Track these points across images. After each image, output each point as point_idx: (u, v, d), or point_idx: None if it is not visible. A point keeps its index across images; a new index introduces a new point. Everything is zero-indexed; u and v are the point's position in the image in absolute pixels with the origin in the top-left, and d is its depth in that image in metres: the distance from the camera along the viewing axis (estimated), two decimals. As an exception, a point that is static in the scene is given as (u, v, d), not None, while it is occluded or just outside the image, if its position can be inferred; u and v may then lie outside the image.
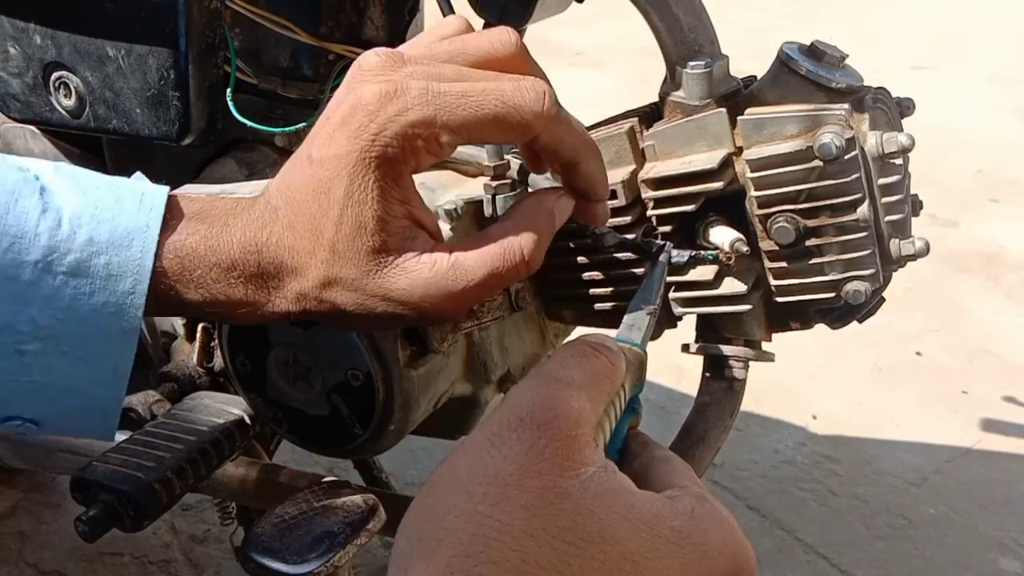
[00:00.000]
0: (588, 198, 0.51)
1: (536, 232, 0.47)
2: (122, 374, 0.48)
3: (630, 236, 0.64)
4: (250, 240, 0.46)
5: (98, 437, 0.52)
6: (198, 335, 0.78)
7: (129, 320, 0.46)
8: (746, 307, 0.64)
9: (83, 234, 0.45)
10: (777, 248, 0.61)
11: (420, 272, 0.45)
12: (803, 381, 1.75)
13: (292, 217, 0.46)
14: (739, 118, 0.60)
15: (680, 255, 0.61)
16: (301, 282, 0.46)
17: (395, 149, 0.43)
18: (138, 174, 0.52)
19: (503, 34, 0.48)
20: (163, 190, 0.48)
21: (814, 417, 1.69)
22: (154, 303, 0.46)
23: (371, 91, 0.44)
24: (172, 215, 0.47)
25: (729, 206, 0.62)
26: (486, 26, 0.76)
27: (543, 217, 0.48)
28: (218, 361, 0.77)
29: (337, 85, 0.78)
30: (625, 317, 0.49)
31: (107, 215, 0.46)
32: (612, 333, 0.47)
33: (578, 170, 0.49)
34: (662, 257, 0.57)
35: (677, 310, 0.67)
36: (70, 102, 0.73)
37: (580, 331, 0.64)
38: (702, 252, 0.61)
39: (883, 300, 0.67)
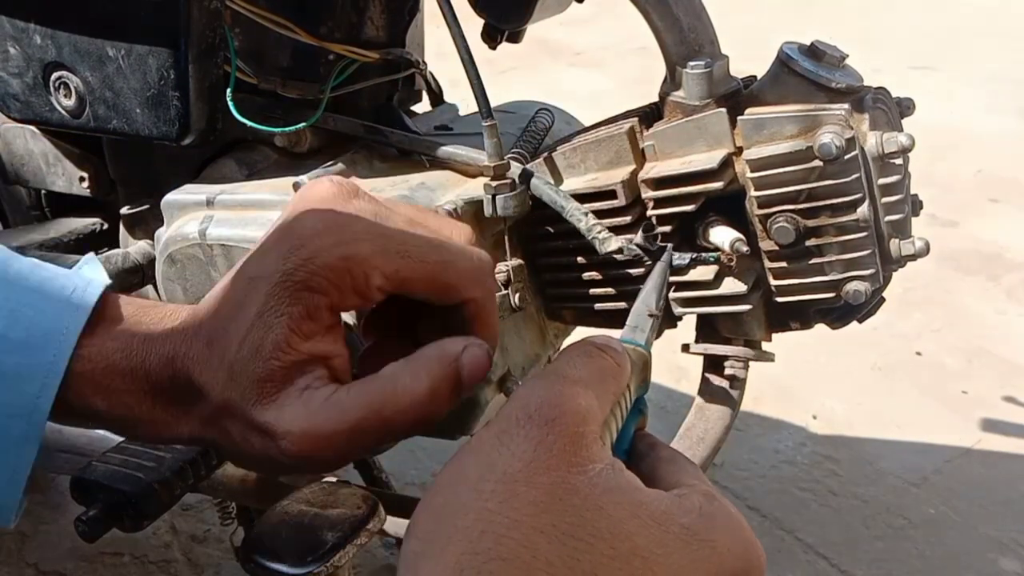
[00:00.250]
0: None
1: (433, 381, 0.42)
2: (19, 478, 0.45)
3: (630, 237, 0.64)
4: (169, 352, 0.43)
5: None
6: (198, 335, 0.77)
7: (32, 424, 0.43)
8: (746, 307, 0.64)
9: None
10: (777, 248, 0.61)
11: (292, 407, 0.41)
12: (803, 381, 1.75)
13: (212, 332, 0.43)
14: (739, 118, 0.60)
15: (681, 257, 0.61)
16: (205, 404, 0.43)
17: (320, 279, 0.41)
18: (89, 256, 0.50)
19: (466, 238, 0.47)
20: (96, 289, 0.45)
21: (814, 417, 1.69)
22: (63, 409, 0.43)
23: (313, 217, 0.42)
24: (99, 317, 0.44)
25: (729, 206, 0.62)
26: (486, 27, 0.76)
27: (441, 367, 0.42)
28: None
29: (337, 85, 0.79)
30: (628, 319, 0.49)
31: (28, 313, 0.43)
32: (613, 333, 0.48)
33: (479, 331, 0.46)
34: (663, 259, 0.57)
35: (677, 310, 0.67)
36: (70, 102, 0.73)
37: (580, 331, 0.64)
38: (703, 254, 0.61)
39: (883, 300, 0.67)
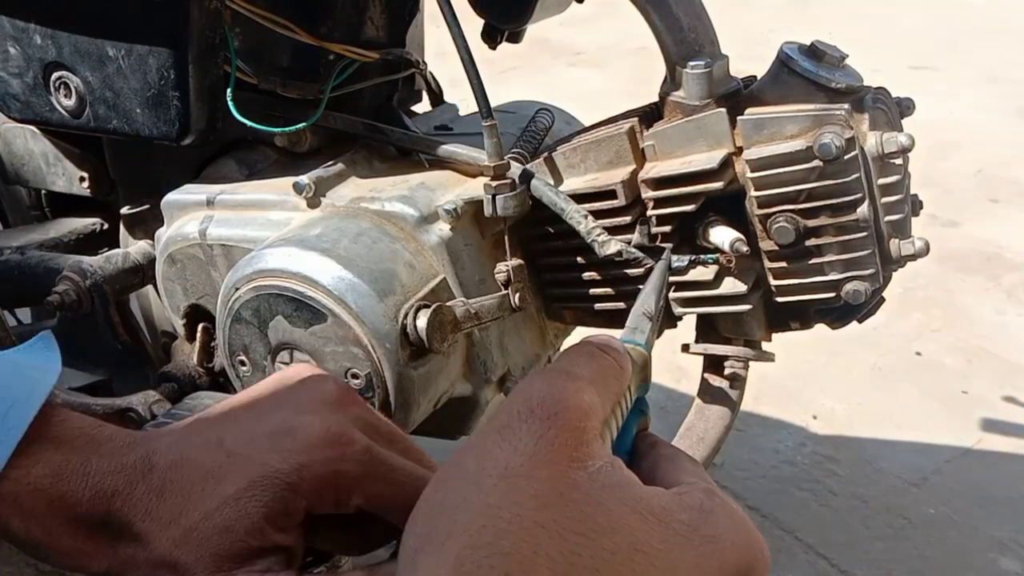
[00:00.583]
0: None
1: None
2: None
3: (629, 238, 0.64)
4: (107, 487, 0.43)
5: None
6: (198, 335, 0.78)
7: None
8: (746, 307, 0.64)
9: None
10: (777, 248, 0.61)
11: None
12: (803, 381, 1.75)
13: (167, 485, 0.43)
14: (739, 118, 0.60)
15: (680, 260, 0.61)
16: (138, 550, 0.43)
17: (308, 485, 0.43)
18: (45, 336, 0.49)
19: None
20: (36, 402, 0.44)
21: (814, 417, 1.69)
22: None
23: (319, 424, 0.44)
24: (34, 436, 0.43)
25: (729, 206, 0.62)
26: (486, 27, 0.76)
27: None
28: (218, 361, 0.77)
29: (337, 84, 0.78)
30: (628, 320, 0.49)
31: None
32: (613, 333, 0.48)
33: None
34: (662, 261, 0.57)
35: (677, 310, 0.67)
36: (70, 102, 0.73)
37: (580, 331, 0.64)
38: (702, 256, 0.61)
39: (883, 300, 0.67)
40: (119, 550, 0.43)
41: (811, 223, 0.59)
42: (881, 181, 0.58)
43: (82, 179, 0.89)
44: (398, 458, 0.46)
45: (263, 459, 0.43)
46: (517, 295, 0.68)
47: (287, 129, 0.75)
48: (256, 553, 0.43)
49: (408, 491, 0.45)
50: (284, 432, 0.44)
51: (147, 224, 0.85)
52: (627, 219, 0.65)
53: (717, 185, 0.60)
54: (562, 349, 0.72)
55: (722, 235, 0.61)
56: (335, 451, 0.43)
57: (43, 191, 0.96)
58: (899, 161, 0.58)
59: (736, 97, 0.63)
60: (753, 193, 0.60)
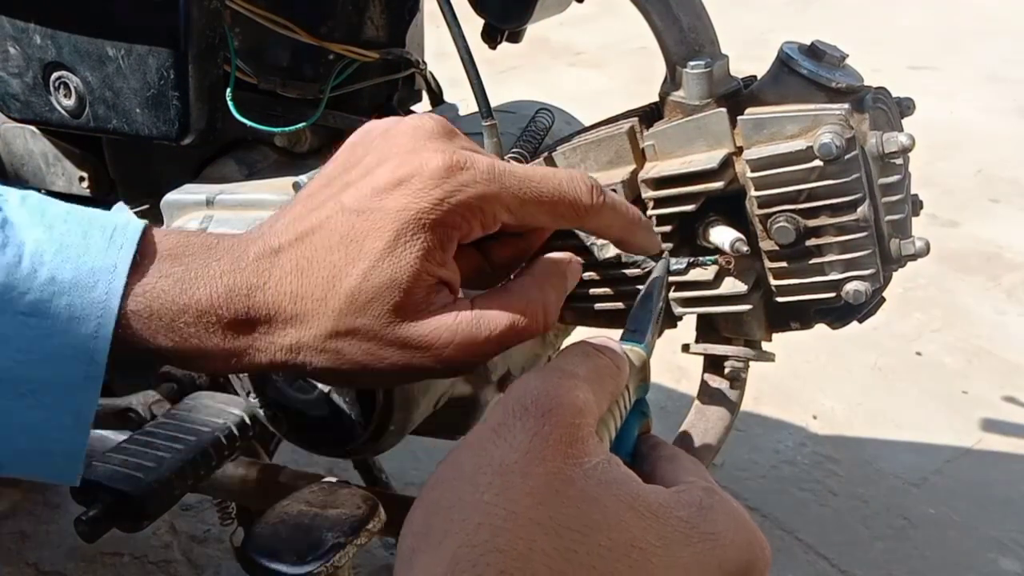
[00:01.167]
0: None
1: (554, 291, 0.48)
2: (84, 422, 0.44)
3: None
4: (238, 283, 0.43)
5: (62, 482, 0.48)
6: (198, 335, 0.77)
7: (94, 365, 0.43)
8: (746, 307, 0.64)
9: (44, 272, 0.42)
10: (777, 248, 0.61)
11: (444, 321, 0.44)
12: (803, 381, 1.75)
13: (302, 264, 0.43)
14: (739, 118, 0.60)
15: (679, 262, 0.61)
16: (301, 331, 0.43)
17: (455, 217, 0.43)
18: (119, 205, 0.50)
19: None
20: (138, 226, 0.45)
21: (814, 417, 1.69)
22: (120, 348, 0.43)
23: (439, 159, 0.43)
24: (145, 253, 0.44)
25: (729, 206, 0.62)
26: (486, 27, 0.76)
27: (558, 279, 0.49)
28: (218, 361, 0.77)
29: (337, 84, 0.78)
30: (628, 322, 0.49)
31: (72, 253, 0.43)
32: (613, 334, 0.48)
33: (627, 245, 0.52)
34: (661, 263, 0.57)
35: (677, 310, 0.67)
36: (70, 102, 0.73)
37: (580, 332, 0.64)
38: (700, 258, 0.61)
39: (883, 300, 0.67)
40: (275, 339, 0.44)
41: (811, 223, 0.59)
42: (882, 181, 0.58)
43: (82, 179, 0.89)
44: (525, 168, 0.46)
45: (398, 205, 0.43)
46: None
47: (287, 129, 0.75)
48: (425, 296, 0.44)
49: (546, 193, 0.46)
50: (406, 176, 0.43)
51: (147, 224, 0.85)
52: (627, 219, 0.65)
53: (717, 185, 0.60)
54: (561, 349, 0.72)
55: (722, 235, 0.61)
56: (464, 176, 0.43)
57: (43, 191, 0.96)
58: (900, 161, 0.58)
59: (736, 97, 0.63)
60: (753, 193, 0.60)
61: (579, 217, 0.47)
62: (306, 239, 0.44)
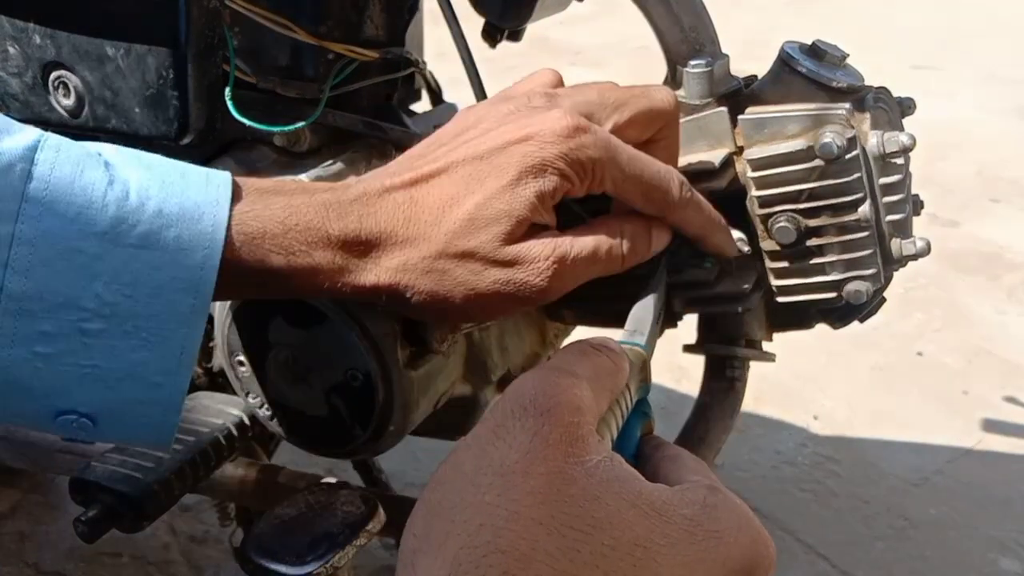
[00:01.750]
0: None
1: (640, 239, 0.52)
2: (188, 360, 0.45)
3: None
4: (347, 211, 0.47)
5: (155, 444, 0.49)
6: (197, 335, 0.77)
7: (200, 296, 0.44)
8: (747, 307, 0.64)
9: (152, 205, 0.44)
10: (778, 248, 0.61)
11: (543, 239, 0.49)
12: (804, 381, 1.75)
13: (417, 195, 0.48)
14: (740, 117, 0.60)
15: (679, 264, 0.61)
16: (411, 251, 0.47)
17: (571, 171, 0.48)
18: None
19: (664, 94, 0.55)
20: (226, 172, 0.47)
21: (815, 417, 1.69)
22: (226, 279, 0.45)
23: (568, 120, 0.48)
24: (240, 193, 0.47)
25: (730, 206, 0.62)
26: (486, 26, 0.75)
27: (643, 232, 0.53)
28: (217, 362, 0.77)
29: (337, 84, 0.78)
30: (628, 322, 0.49)
31: (175, 189, 0.45)
32: (613, 333, 0.48)
33: (704, 244, 0.57)
34: (660, 265, 0.57)
35: (677, 310, 0.67)
36: (69, 101, 0.73)
37: (580, 332, 0.64)
38: (699, 260, 0.61)
39: (884, 300, 0.67)
40: (384, 260, 0.48)
41: (812, 223, 0.59)
42: (883, 180, 0.58)
43: (81, 179, 0.89)
44: (630, 147, 0.51)
45: (524, 151, 0.47)
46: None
47: (286, 128, 0.75)
48: (530, 230, 0.49)
49: (646, 173, 0.51)
50: (535, 131, 0.48)
51: (146, 224, 0.85)
52: (627, 219, 0.65)
53: (718, 184, 0.60)
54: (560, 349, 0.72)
55: (723, 235, 0.61)
56: (586, 138, 0.48)
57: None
58: (900, 160, 0.58)
59: (737, 96, 0.63)
60: (754, 193, 0.60)
61: (667, 206, 0.52)
62: (423, 181, 0.48)
